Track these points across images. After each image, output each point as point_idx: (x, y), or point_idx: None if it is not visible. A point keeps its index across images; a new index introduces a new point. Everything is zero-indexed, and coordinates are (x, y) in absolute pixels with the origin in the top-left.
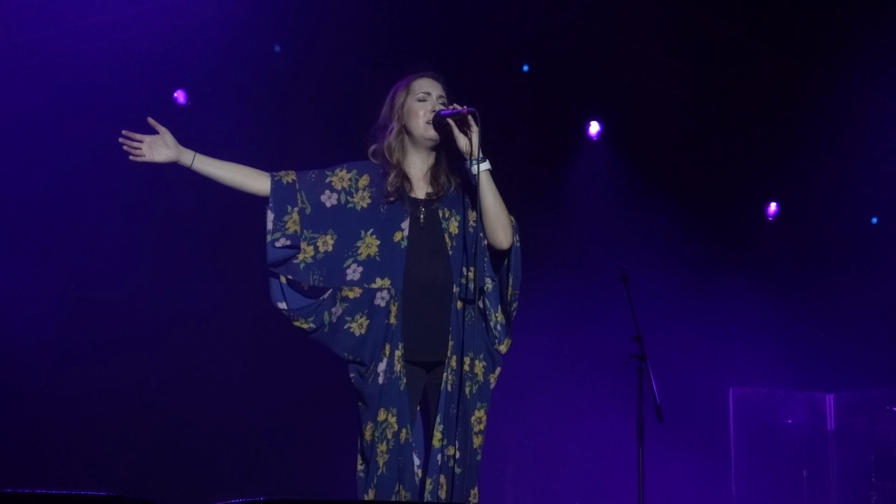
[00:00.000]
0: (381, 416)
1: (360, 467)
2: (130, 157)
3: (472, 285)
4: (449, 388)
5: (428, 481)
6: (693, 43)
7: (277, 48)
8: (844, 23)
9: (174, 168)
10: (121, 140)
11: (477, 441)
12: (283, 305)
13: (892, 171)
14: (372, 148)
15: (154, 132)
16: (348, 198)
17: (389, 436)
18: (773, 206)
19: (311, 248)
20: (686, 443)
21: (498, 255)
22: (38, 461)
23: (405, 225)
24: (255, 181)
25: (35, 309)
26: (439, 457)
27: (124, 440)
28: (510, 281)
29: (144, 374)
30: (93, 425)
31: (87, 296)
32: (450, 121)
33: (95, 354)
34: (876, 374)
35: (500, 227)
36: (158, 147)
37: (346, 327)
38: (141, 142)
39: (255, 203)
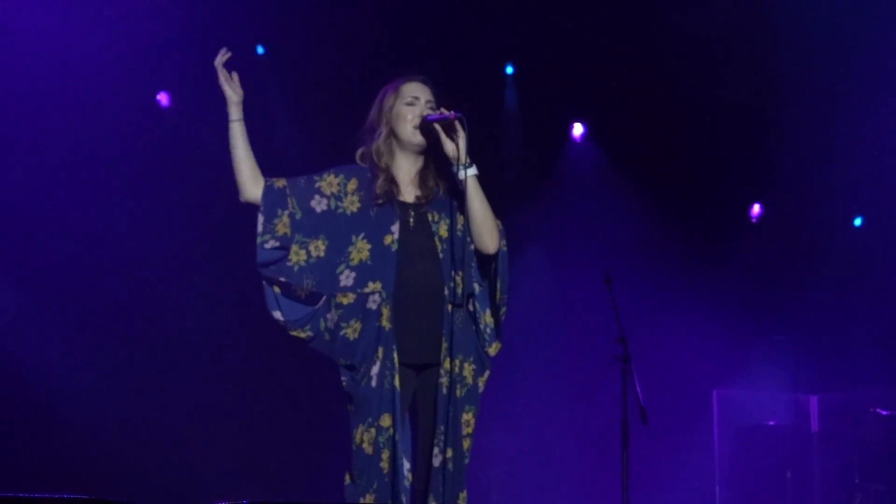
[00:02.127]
0: (386, 422)
1: (348, 474)
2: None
3: (459, 289)
4: (444, 391)
5: (430, 487)
6: (676, 45)
7: (260, 50)
8: (824, 25)
9: (168, 166)
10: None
11: (465, 444)
12: (278, 315)
13: (875, 174)
14: (360, 151)
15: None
16: (338, 203)
17: (389, 441)
18: (756, 208)
19: (304, 252)
20: (670, 444)
21: (485, 260)
22: (20, 464)
23: (395, 228)
24: (254, 182)
25: (25, 310)
26: (438, 462)
27: (108, 442)
28: (498, 285)
29: (131, 377)
30: (76, 427)
31: (77, 297)
32: (436, 126)
33: (82, 356)
34: (860, 375)
35: (486, 231)
36: (234, 85)
37: (341, 333)
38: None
39: (252, 207)
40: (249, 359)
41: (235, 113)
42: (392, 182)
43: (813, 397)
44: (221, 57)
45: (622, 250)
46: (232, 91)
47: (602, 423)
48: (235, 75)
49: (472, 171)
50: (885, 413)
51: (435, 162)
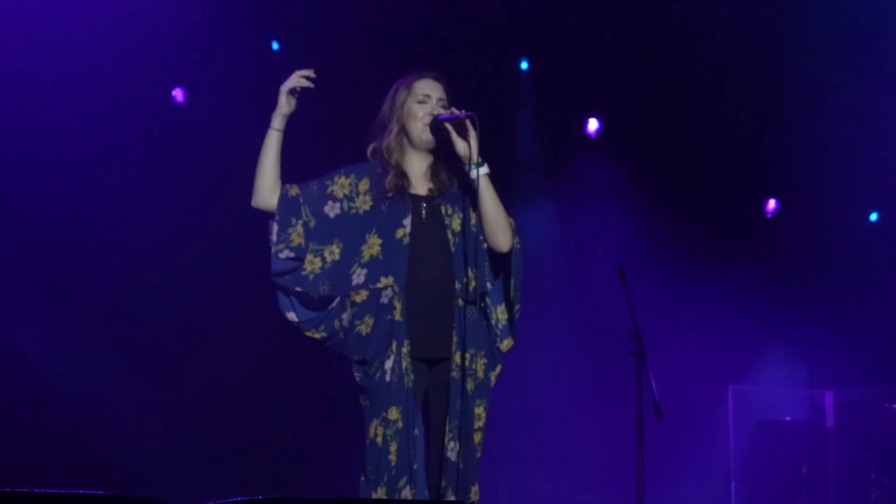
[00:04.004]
0: (394, 415)
1: (363, 473)
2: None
3: (471, 286)
4: (456, 385)
5: (443, 481)
6: (690, 39)
7: (276, 46)
8: (840, 20)
9: (183, 162)
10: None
11: (477, 438)
12: (292, 316)
13: (891, 168)
14: (371, 147)
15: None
16: (350, 204)
17: (397, 434)
18: (771, 203)
19: (319, 259)
20: (685, 440)
21: (499, 257)
22: (36, 459)
23: (407, 222)
24: (272, 190)
25: (34, 306)
26: (454, 456)
27: (122, 437)
28: (512, 283)
29: (143, 372)
30: (90, 423)
31: (86, 293)
32: (448, 125)
33: (94, 352)
34: (875, 371)
35: (499, 230)
36: (291, 99)
37: (356, 331)
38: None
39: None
40: (259, 354)
41: (279, 122)
42: (403, 177)
43: (828, 393)
44: (306, 73)
45: (637, 245)
46: (287, 103)
47: (617, 418)
48: (307, 85)
49: (484, 169)
50: None
51: (446, 159)
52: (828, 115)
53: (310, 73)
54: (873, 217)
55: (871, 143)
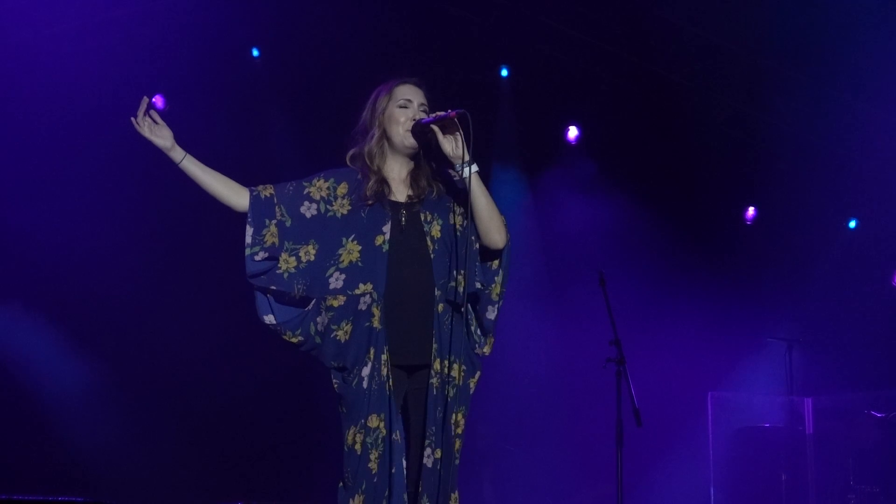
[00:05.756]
0: (374, 422)
1: (341, 479)
2: (133, 119)
3: (460, 289)
4: (435, 392)
5: (420, 487)
6: (671, 48)
7: (255, 52)
8: (820, 28)
9: (163, 169)
10: (141, 109)
11: (456, 445)
12: (270, 319)
13: (870, 176)
14: (351, 152)
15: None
16: (328, 206)
17: (380, 441)
18: (751, 211)
19: (294, 258)
20: (665, 447)
21: (489, 256)
22: (20, 465)
23: (386, 229)
24: (236, 195)
25: (23, 314)
26: (430, 463)
27: (102, 444)
28: (499, 279)
29: (122, 379)
30: (73, 429)
31: (71, 299)
32: (434, 126)
33: (78, 359)
34: (854, 377)
35: (494, 227)
36: (158, 130)
37: (332, 336)
38: (147, 115)
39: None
40: (239, 362)
41: (177, 155)
42: (383, 183)
43: (807, 399)
44: (141, 110)
45: (617, 252)
46: (161, 139)
47: (597, 424)
48: (157, 116)
49: (475, 167)
50: (879, 415)
51: (428, 164)
52: (808, 122)
53: (142, 106)
54: (852, 224)
55: (851, 151)
